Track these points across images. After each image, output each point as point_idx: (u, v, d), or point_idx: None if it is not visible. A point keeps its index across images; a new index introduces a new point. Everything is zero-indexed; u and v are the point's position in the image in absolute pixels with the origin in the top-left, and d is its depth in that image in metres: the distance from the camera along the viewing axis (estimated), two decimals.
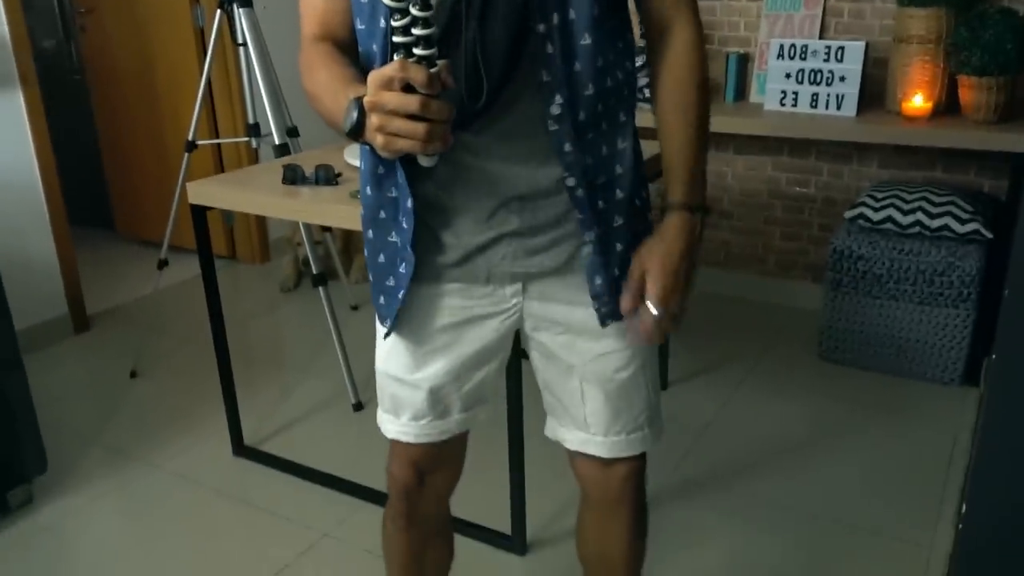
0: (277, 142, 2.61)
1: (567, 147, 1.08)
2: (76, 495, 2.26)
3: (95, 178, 4.29)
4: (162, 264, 2.88)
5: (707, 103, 1.15)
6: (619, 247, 1.16)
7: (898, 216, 2.68)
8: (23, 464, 2.17)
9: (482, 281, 1.17)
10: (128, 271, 3.91)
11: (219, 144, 3.72)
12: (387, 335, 1.24)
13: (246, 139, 2.89)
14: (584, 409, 1.24)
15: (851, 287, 2.75)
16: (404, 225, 1.14)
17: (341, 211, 1.92)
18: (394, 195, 1.15)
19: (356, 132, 0.95)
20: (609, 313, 1.16)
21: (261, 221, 3.94)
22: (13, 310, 2.14)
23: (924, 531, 2.02)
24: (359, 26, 1.09)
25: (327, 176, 2.06)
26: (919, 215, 2.65)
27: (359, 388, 2.67)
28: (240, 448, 2.42)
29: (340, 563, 1.99)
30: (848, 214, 2.79)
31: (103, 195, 4.31)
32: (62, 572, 1.99)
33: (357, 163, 2.15)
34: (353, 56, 1.11)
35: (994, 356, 1.25)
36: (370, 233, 1.21)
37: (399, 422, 1.28)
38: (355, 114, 0.94)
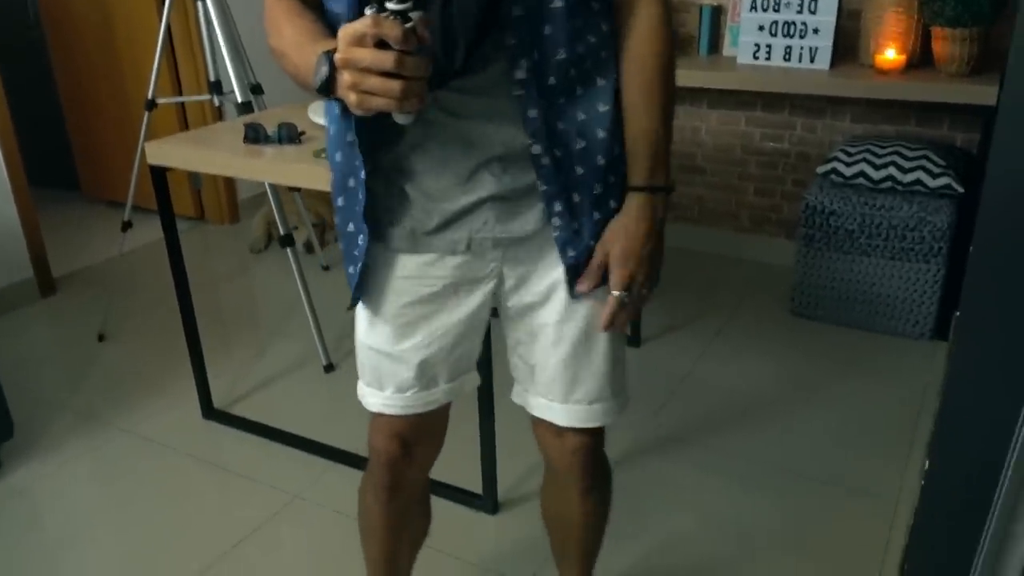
0: (240, 100, 2.54)
1: (531, 113, 1.04)
2: (45, 460, 2.24)
3: (58, 137, 4.18)
4: (126, 226, 2.82)
5: (672, 81, 1.10)
6: (596, 216, 1.12)
7: (870, 171, 2.67)
8: None
9: (462, 249, 1.14)
10: (94, 233, 3.84)
11: (183, 102, 3.63)
12: (351, 306, 1.22)
13: (208, 97, 2.81)
14: (546, 374, 1.22)
15: (823, 243, 2.75)
16: (359, 196, 1.11)
17: (304, 170, 1.88)
18: (358, 164, 1.10)
19: (326, 88, 0.91)
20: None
21: (230, 182, 3.87)
22: None
23: (892, 484, 2.05)
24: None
25: (290, 135, 2.01)
26: (891, 170, 2.65)
27: (330, 349, 2.65)
28: (210, 411, 2.40)
29: (312, 524, 1.98)
30: (820, 169, 2.77)
31: (66, 155, 4.21)
32: (33, 536, 1.97)
33: (322, 121, 2.11)
34: (319, 11, 1.06)
35: (959, 311, 1.25)
36: (340, 200, 1.17)
37: (383, 395, 1.24)
38: (325, 69, 0.90)
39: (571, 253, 1.12)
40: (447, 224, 1.12)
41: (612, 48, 1.09)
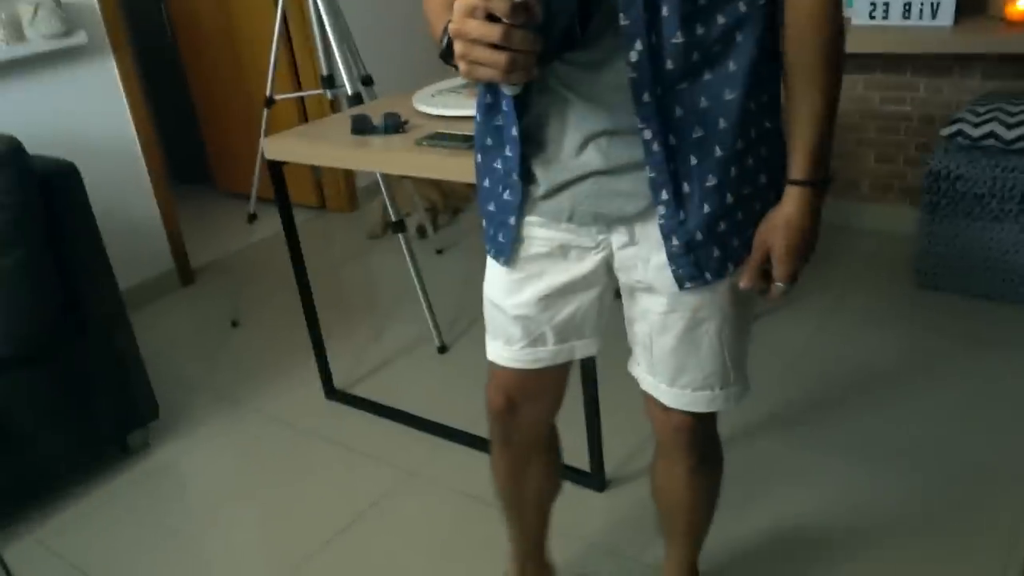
0: (350, 92, 2.64)
1: (645, 97, 1.01)
2: (186, 438, 2.43)
3: (193, 136, 4.47)
4: (252, 218, 2.99)
5: (839, 67, 1.03)
6: (706, 208, 1.07)
7: (1001, 131, 2.50)
8: (137, 411, 2.34)
9: (564, 219, 1.16)
10: (227, 225, 4.08)
11: (302, 97, 3.80)
12: (490, 259, 1.27)
13: (320, 91, 2.93)
14: (654, 355, 1.23)
15: (949, 209, 2.60)
16: (508, 152, 1.15)
17: (408, 159, 1.94)
18: (499, 123, 1.16)
19: (447, 57, 0.95)
20: (686, 276, 1.12)
21: (348, 171, 4.02)
22: (125, 269, 2.29)
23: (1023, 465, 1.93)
24: None
25: (394, 124, 2.08)
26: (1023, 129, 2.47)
27: (443, 331, 2.73)
28: (331, 391, 2.53)
29: (426, 500, 2.07)
30: (944, 131, 2.61)
31: (201, 152, 4.49)
32: (176, 507, 2.16)
33: (426, 109, 2.17)
34: None
35: None
36: (479, 157, 1.23)
37: (495, 344, 1.31)
38: (445, 39, 0.94)
39: (675, 242, 1.10)
40: (555, 191, 1.15)
41: (753, 30, 1.02)
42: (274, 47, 2.76)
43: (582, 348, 1.30)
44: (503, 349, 1.30)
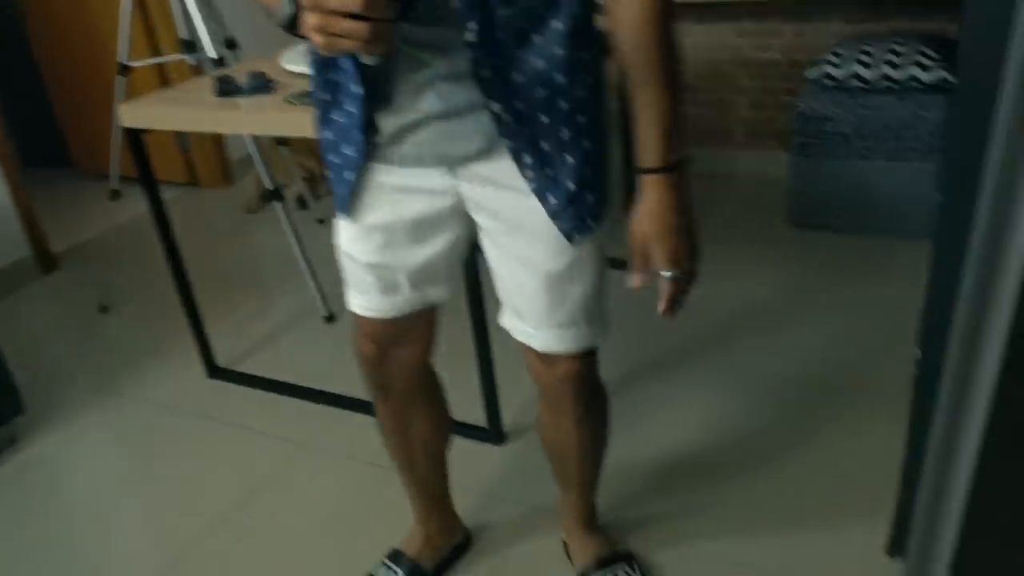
0: (214, 56, 2.50)
1: (485, 73, 1.03)
2: (59, 432, 2.27)
3: (45, 117, 4.15)
4: (114, 195, 2.81)
5: (674, 48, 1.03)
6: (570, 160, 1.10)
7: (863, 71, 2.60)
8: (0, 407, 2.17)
9: (411, 163, 1.15)
10: (91, 206, 3.83)
11: (161, 64, 3.58)
12: (339, 211, 1.24)
13: (181, 56, 2.76)
14: (520, 297, 1.22)
15: (818, 150, 2.70)
16: (351, 108, 1.12)
17: (278, 117, 1.86)
18: (334, 77, 1.13)
19: (290, 25, 0.92)
20: (574, 229, 1.13)
21: (219, 144, 3.84)
22: None
23: (898, 383, 2.03)
24: None
25: (262, 84, 1.98)
26: (884, 68, 2.58)
27: (329, 300, 2.65)
28: (214, 370, 2.42)
29: (323, 470, 2.01)
30: (810, 74, 2.71)
31: (55, 132, 4.19)
32: (54, 506, 2.01)
33: (294, 68, 2.08)
34: None
35: (940, 207, 1.23)
36: (318, 112, 1.20)
37: (354, 295, 1.31)
38: (289, 6, 0.91)
39: (552, 201, 1.11)
40: (396, 138, 1.13)
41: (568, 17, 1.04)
42: (129, 8, 2.58)
43: (436, 293, 1.30)
44: (361, 298, 1.30)
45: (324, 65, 1.14)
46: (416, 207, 1.19)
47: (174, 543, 1.84)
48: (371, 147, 1.15)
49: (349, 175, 1.18)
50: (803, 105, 2.68)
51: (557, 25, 1.04)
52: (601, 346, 1.29)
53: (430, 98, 1.08)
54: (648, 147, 1.06)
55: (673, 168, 1.07)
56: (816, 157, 2.71)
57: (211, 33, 2.53)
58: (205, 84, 2.12)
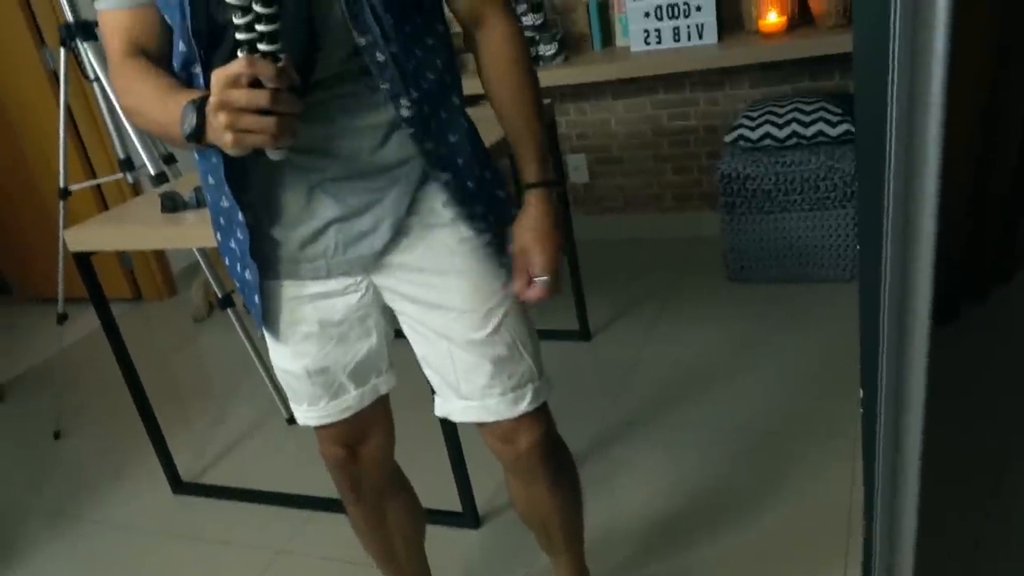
0: (153, 172, 2.54)
1: (428, 146, 1.12)
2: (20, 568, 2.20)
3: None
4: (62, 319, 2.80)
5: (536, 83, 1.20)
6: (471, 185, 1.19)
7: (775, 131, 2.78)
8: None
9: (323, 276, 1.20)
10: (35, 333, 3.77)
11: (99, 185, 3.60)
12: (259, 330, 1.26)
13: (120, 175, 2.80)
14: (454, 374, 1.25)
15: (744, 207, 2.85)
16: (239, 236, 1.15)
17: None
18: (226, 205, 1.15)
19: (198, 136, 0.96)
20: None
21: (161, 256, 3.84)
22: None
23: (848, 421, 2.12)
24: (181, 49, 1.07)
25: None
26: (794, 126, 2.76)
27: (288, 402, 2.65)
28: (178, 485, 2.39)
29: (301, 574, 1.99)
30: (727, 138, 2.87)
31: None
32: None
33: None
34: (167, 69, 1.10)
35: (859, 247, 1.33)
36: (217, 236, 1.23)
37: (303, 409, 1.32)
38: (193, 117, 0.95)
39: (479, 210, 1.20)
40: (300, 250, 1.17)
41: (452, 71, 1.17)
42: (61, 135, 2.62)
43: (384, 383, 1.33)
44: (312, 411, 1.31)
45: (215, 189, 1.15)
46: (338, 309, 1.23)
47: None
48: (276, 262, 1.19)
49: (256, 298, 1.21)
50: (724, 167, 2.84)
51: (456, 100, 1.18)
52: (548, 398, 1.31)
53: (325, 202, 1.13)
54: (529, 166, 1.21)
55: (550, 184, 1.22)
56: (742, 214, 2.86)
57: (147, 150, 2.57)
58: (150, 201, 2.16)
